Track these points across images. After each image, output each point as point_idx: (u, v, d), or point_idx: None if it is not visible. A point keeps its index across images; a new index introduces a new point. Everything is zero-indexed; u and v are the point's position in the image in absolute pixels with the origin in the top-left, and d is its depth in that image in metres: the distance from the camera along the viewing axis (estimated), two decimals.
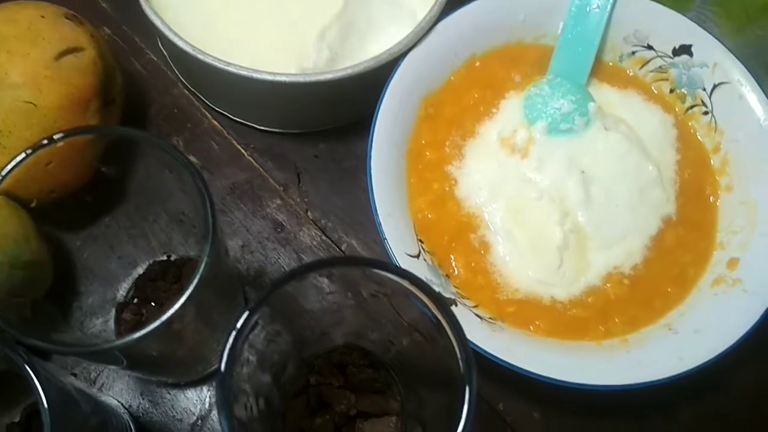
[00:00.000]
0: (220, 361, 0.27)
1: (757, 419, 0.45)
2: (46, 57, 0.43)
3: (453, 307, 0.40)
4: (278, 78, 0.44)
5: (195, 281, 0.29)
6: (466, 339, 0.28)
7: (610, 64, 0.50)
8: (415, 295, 0.29)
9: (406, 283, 0.29)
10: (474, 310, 0.41)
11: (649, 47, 0.48)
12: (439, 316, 0.28)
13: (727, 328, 0.40)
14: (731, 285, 0.42)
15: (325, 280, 0.34)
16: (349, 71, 0.44)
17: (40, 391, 0.29)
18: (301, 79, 0.44)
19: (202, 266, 0.30)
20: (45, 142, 0.32)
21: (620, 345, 0.41)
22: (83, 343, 0.29)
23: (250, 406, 0.34)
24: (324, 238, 0.50)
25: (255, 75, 0.44)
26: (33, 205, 0.35)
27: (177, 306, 0.29)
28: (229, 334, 0.27)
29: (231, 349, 0.27)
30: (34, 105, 0.42)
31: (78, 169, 0.38)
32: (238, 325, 0.28)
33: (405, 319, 0.35)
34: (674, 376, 0.38)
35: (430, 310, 0.29)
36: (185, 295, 0.29)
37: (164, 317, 0.29)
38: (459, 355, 0.28)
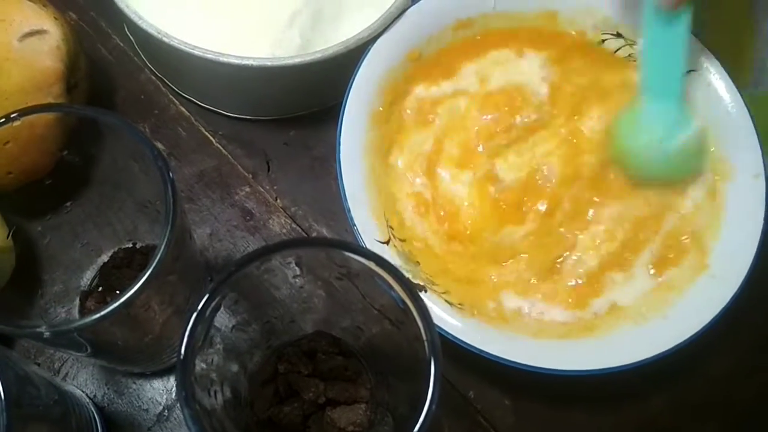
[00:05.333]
0: (180, 345, 0.27)
1: (729, 405, 0.46)
2: (8, 39, 0.42)
3: (423, 293, 0.40)
4: (245, 62, 0.43)
5: (155, 262, 0.29)
6: (432, 320, 0.27)
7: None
8: (381, 277, 0.29)
9: (371, 265, 0.29)
10: (444, 296, 0.41)
11: (618, 35, 0.48)
12: (405, 297, 0.28)
13: (695, 314, 0.40)
14: (699, 270, 0.42)
15: (293, 264, 0.33)
16: (318, 55, 0.44)
17: None
18: (268, 63, 0.44)
19: (162, 247, 0.29)
20: (2, 120, 0.31)
21: (589, 331, 0.41)
22: (41, 324, 0.28)
23: (216, 394, 0.34)
24: (294, 226, 0.49)
25: (221, 59, 0.43)
26: None
27: (136, 287, 0.28)
28: (190, 316, 0.27)
29: (191, 330, 0.27)
30: None
31: (40, 153, 0.38)
32: (199, 306, 0.27)
33: (375, 306, 0.35)
34: (642, 361, 0.38)
35: (395, 291, 0.29)
36: (144, 276, 0.28)
37: (123, 298, 0.28)
38: (424, 337, 0.27)
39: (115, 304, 0.28)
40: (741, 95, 0.44)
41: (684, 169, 0.45)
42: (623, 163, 0.45)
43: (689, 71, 0.45)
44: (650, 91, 0.44)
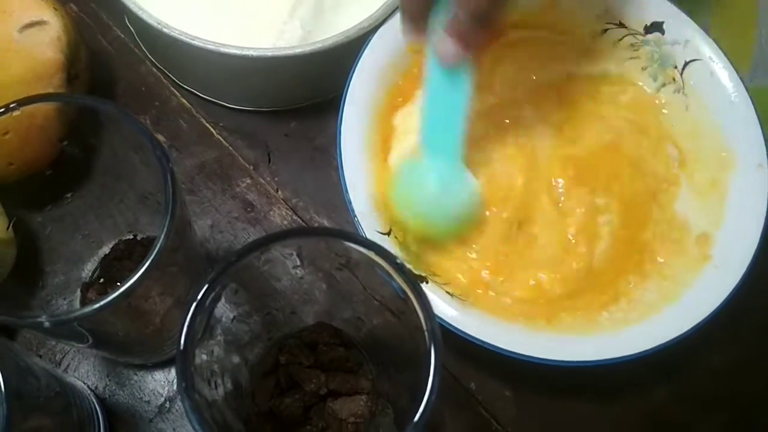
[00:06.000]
0: (180, 335, 0.27)
1: (733, 397, 0.46)
2: (8, 30, 0.42)
3: (424, 284, 0.40)
4: (245, 52, 0.43)
5: (154, 252, 0.28)
6: (432, 309, 0.27)
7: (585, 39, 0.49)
8: (382, 267, 0.29)
9: (372, 254, 0.28)
10: (445, 287, 0.41)
11: (622, 25, 0.48)
12: (405, 287, 0.28)
13: (698, 305, 0.40)
14: (702, 261, 0.41)
15: (293, 255, 0.33)
16: (318, 45, 0.44)
17: None
18: (269, 53, 0.43)
19: (162, 238, 0.29)
20: (1, 110, 0.31)
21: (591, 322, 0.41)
22: (41, 314, 0.28)
23: (217, 385, 0.34)
24: (295, 217, 0.49)
25: (222, 49, 0.43)
26: None
27: (136, 277, 0.28)
28: (190, 306, 0.27)
29: (191, 320, 0.27)
30: None
31: (40, 144, 0.38)
32: (198, 296, 0.27)
33: (375, 297, 0.34)
34: (644, 352, 0.38)
35: (396, 281, 0.29)
36: (144, 266, 0.28)
37: (123, 288, 0.28)
38: (425, 326, 0.27)
39: (115, 294, 0.28)
40: (744, 85, 0.44)
41: (461, 227, 0.43)
42: (403, 217, 0.42)
43: (692, 60, 0.45)
44: (428, 146, 0.42)
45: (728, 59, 0.45)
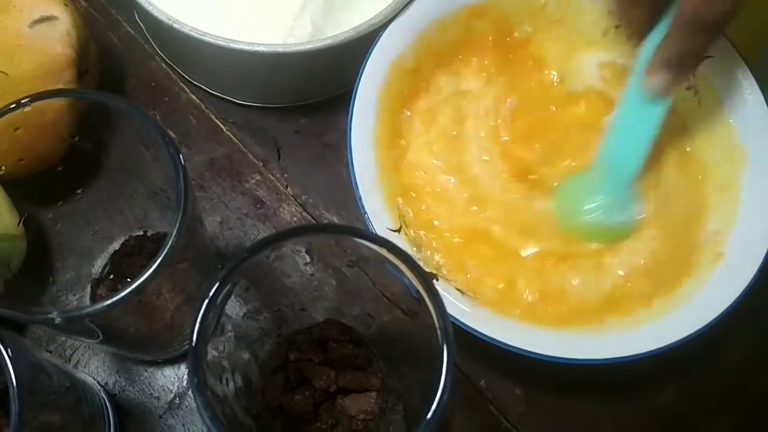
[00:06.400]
0: (192, 331, 0.27)
1: (743, 396, 0.45)
2: (19, 25, 0.42)
3: (434, 281, 0.40)
4: (256, 48, 0.43)
5: (166, 250, 0.28)
6: (444, 307, 0.27)
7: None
8: (393, 264, 0.29)
9: (383, 251, 0.28)
10: (456, 284, 0.41)
11: None
12: (417, 284, 0.28)
13: (710, 304, 0.39)
14: (715, 260, 0.41)
15: (303, 252, 0.33)
16: (329, 42, 0.44)
17: (8, 363, 0.29)
18: (279, 49, 0.43)
19: (174, 235, 0.29)
20: (12, 106, 0.31)
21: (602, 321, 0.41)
22: (53, 311, 0.28)
23: (228, 381, 0.34)
24: (304, 214, 0.49)
25: (232, 45, 0.43)
26: (2, 172, 0.35)
27: (147, 274, 0.28)
28: (201, 303, 0.27)
29: (203, 317, 0.27)
30: (6, 74, 0.41)
31: (51, 140, 0.38)
32: (210, 293, 0.27)
33: (386, 294, 0.34)
34: (656, 350, 0.38)
35: (407, 278, 0.28)
36: (156, 263, 0.28)
37: (134, 285, 0.28)
38: (437, 324, 0.27)
39: (127, 291, 0.28)
40: (758, 82, 0.44)
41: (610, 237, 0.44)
42: (560, 219, 0.44)
43: (706, 56, 0.45)
44: (606, 163, 0.43)
45: (741, 56, 0.44)
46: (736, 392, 0.45)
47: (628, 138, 0.43)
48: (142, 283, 0.28)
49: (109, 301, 0.28)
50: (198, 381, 0.26)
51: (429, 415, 0.26)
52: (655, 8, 0.39)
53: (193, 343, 0.26)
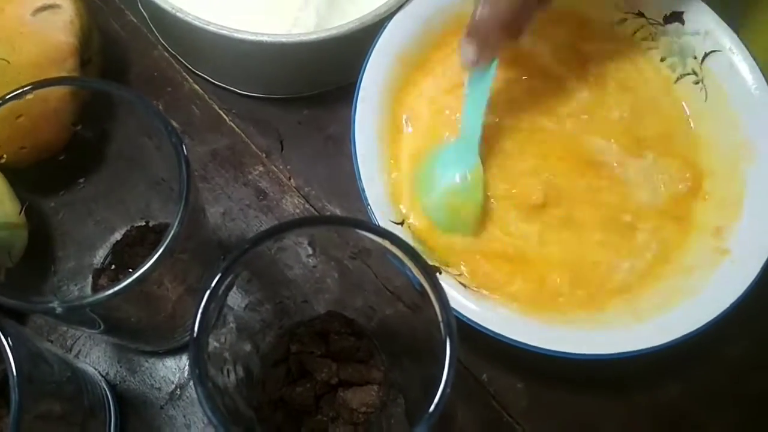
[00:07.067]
0: (193, 322, 0.26)
1: (745, 393, 0.45)
2: (22, 13, 0.42)
3: (437, 275, 0.39)
4: (260, 38, 0.43)
5: (167, 240, 0.28)
6: (447, 300, 0.27)
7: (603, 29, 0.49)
8: (395, 256, 0.28)
9: (386, 243, 0.28)
10: (459, 278, 0.41)
11: (640, 14, 0.47)
12: (420, 276, 0.28)
13: (715, 299, 0.39)
14: (719, 255, 0.41)
15: (306, 244, 0.33)
16: (333, 32, 0.43)
17: (8, 351, 0.28)
18: (283, 39, 0.43)
19: (176, 225, 0.29)
20: (14, 93, 0.31)
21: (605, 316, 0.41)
22: (54, 300, 0.28)
23: (229, 373, 0.34)
24: (307, 206, 0.49)
25: (236, 35, 0.43)
26: (3, 160, 0.34)
27: (149, 264, 0.28)
28: (203, 293, 0.27)
29: (204, 308, 0.26)
30: (8, 62, 0.41)
31: (53, 128, 0.38)
32: (212, 284, 0.27)
33: (388, 287, 0.34)
34: (658, 346, 0.38)
35: (410, 270, 0.28)
36: (157, 253, 0.28)
37: (136, 275, 0.28)
38: (440, 318, 0.27)
39: (128, 281, 0.28)
40: (764, 76, 0.43)
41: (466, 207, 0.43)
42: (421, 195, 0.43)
43: (712, 51, 0.45)
44: (461, 131, 0.43)
45: (749, 50, 0.44)
46: (739, 388, 0.45)
47: (470, 107, 0.43)
48: (143, 273, 0.28)
49: (110, 291, 0.28)
50: (199, 372, 0.26)
51: (431, 409, 0.26)
52: None
53: (195, 334, 0.26)
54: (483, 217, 0.43)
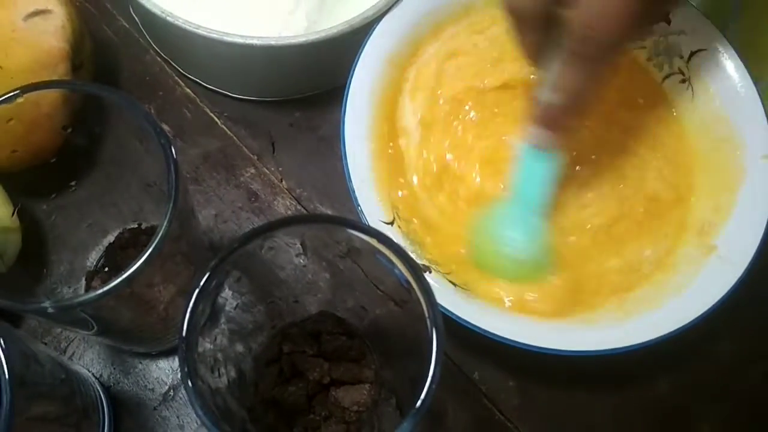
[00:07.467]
0: (182, 321, 0.27)
1: (734, 388, 0.46)
2: (13, 18, 0.42)
3: (427, 274, 0.40)
4: (249, 41, 0.43)
5: (156, 240, 0.29)
6: (434, 296, 0.27)
7: None
8: (384, 254, 0.29)
9: (373, 242, 0.28)
10: (449, 276, 0.41)
11: None
12: (407, 274, 0.28)
13: (702, 296, 0.40)
14: (706, 252, 0.41)
15: (297, 244, 0.33)
16: (322, 35, 0.44)
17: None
18: (272, 42, 0.43)
19: (164, 225, 0.29)
20: (5, 97, 0.31)
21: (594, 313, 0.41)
22: (44, 300, 0.28)
23: (221, 374, 0.34)
24: (299, 207, 0.49)
25: (226, 38, 0.43)
26: None
27: (138, 264, 0.28)
28: (192, 293, 0.27)
29: (193, 307, 0.27)
30: (0, 67, 0.41)
31: (45, 132, 0.38)
32: (201, 282, 0.27)
33: (379, 287, 0.34)
34: (647, 342, 0.38)
35: (398, 268, 0.29)
36: (146, 253, 0.28)
37: (125, 275, 0.28)
38: (426, 314, 0.27)
39: (117, 281, 0.28)
40: (750, 75, 0.44)
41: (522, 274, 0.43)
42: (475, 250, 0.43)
43: (698, 50, 0.45)
44: (517, 198, 0.43)
45: (734, 49, 0.44)
46: (729, 384, 0.46)
47: (530, 176, 0.42)
48: (132, 273, 0.28)
49: (100, 291, 0.28)
50: (188, 371, 0.26)
51: (418, 404, 0.26)
52: (547, 34, 0.38)
53: (183, 333, 0.26)
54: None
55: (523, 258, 0.42)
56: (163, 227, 0.29)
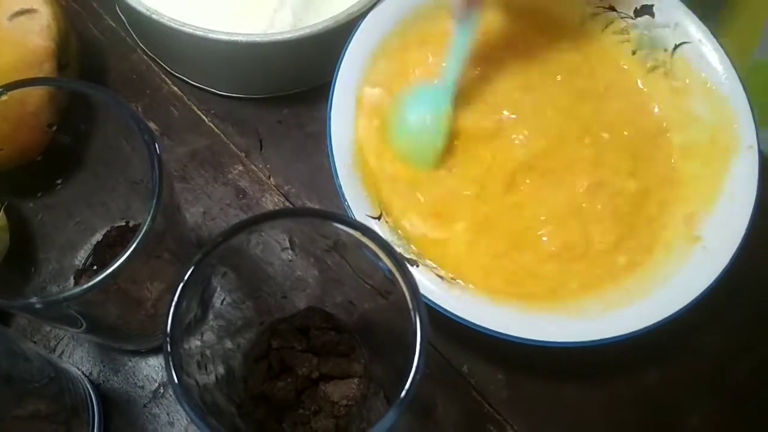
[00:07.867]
0: (167, 315, 0.27)
1: (721, 379, 0.46)
2: None
3: (413, 268, 0.40)
4: (234, 38, 0.43)
5: (140, 235, 0.29)
6: (417, 287, 0.27)
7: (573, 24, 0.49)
8: (369, 248, 0.29)
9: (358, 234, 0.29)
10: (435, 270, 0.41)
11: (611, 8, 0.48)
12: (391, 266, 0.28)
13: (687, 287, 0.40)
14: (691, 242, 0.42)
15: (285, 240, 0.33)
16: (307, 31, 0.44)
17: None
18: (257, 39, 0.43)
19: (148, 220, 0.29)
20: None
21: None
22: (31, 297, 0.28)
23: (209, 370, 0.34)
24: (287, 204, 0.49)
25: (211, 35, 0.43)
26: None
27: (122, 260, 0.28)
28: (177, 286, 0.27)
29: (177, 301, 0.27)
30: None
31: (31, 131, 0.38)
32: (185, 277, 0.27)
33: (366, 281, 0.35)
34: (633, 333, 0.38)
35: (382, 261, 0.29)
36: (130, 248, 0.28)
37: (109, 270, 0.28)
38: (410, 305, 0.27)
39: (101, 276, 0.28)
40: (734, 66, 0.44)
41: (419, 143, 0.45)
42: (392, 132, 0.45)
43: (682, 43, 0.45)
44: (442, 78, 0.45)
45: (718, 41, 0.45)
46: (716, 374, 0.46)
47: (453, 54, 0.45)
48: (116, 268, 0.28)
49: (86, 286, 0.28)
50: (174, 366, 0.26)
51: (403, 394, 0.26)
52: None
53: (168, 328, 0.27)
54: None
55: (420, 135, 0.45)
56: (147, 222, 0.29)
